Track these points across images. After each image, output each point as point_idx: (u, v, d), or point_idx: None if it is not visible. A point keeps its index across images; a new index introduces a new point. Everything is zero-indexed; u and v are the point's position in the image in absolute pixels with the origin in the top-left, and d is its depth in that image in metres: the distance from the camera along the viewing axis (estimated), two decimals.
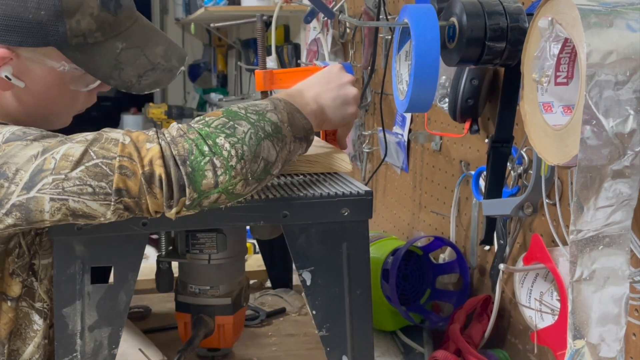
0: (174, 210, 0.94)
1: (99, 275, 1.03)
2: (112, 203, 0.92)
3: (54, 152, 0.92)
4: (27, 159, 0.92)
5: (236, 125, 0.96)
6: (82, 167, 0.92)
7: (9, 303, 1.08)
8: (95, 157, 0.92)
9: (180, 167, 0.92)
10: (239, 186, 0.95)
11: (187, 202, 0.93)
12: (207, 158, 0.92)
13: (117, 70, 1.05)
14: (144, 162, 0.92)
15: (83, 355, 1.02)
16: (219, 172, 0.93)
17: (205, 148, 0.93)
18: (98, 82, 1.10)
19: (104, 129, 0.97)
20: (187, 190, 0.92)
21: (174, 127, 0.97)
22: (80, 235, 1.00)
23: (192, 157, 0.92)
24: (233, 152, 0.94)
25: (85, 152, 0.92)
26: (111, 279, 1.04)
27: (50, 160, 0.92)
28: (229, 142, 0.94)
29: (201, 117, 0.99)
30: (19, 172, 0.91)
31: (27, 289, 1.10)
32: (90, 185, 0.91)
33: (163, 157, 0.92)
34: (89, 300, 1.02)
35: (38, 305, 1.10)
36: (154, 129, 0.97)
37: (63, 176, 0.91)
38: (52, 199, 0.92)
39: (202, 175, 0.92)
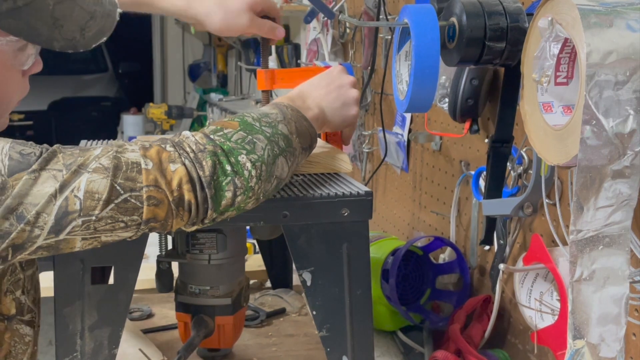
0: (194, 228, 0.95)
1: (99, 275, 1.03)
2: (141, 230, 0.92)
3: (74, 189, 0.88)
4: (46, 200, 0.87)
5: (255, 140, 0.96)
6: (112, 205, 0.89)
7: (6, 322, 1.06)
8: (122, 192, 0.89)
9: (206, 189, 0.92)
10: (250, 205, 0.96)
11: (207, 222, 0.95)
12: (229, 178, 0.92)
13: (56, 28, 0.97)
14: (172, 187, 0.90)
15: (83, 355, 1.02)
16: (238, 192, 0.93)
17: (228, 167, 0.93)
18: (33, 58, 1.02)
19: (113, 145, 0.93)
20: (209, 212, 0.93)
21: (191, 140, 0.94)
22: None
23: (215, 177, 0.92)
24: (254, 173, 0.94)
25: (112, 188, 0.88)
26: (111, 279, 1.04)
27: (73, 200, 0.87)
28: (250, 161, 0.94)
29: (216, 126, 0.97)
30: (41, 216, 0.87)
31: (17, 304, 1.08)
32: (123, 221, 0.90)
33: (191, 180, 0.91)
34: (89, 300, 1.02)
35: (27, 317, 1.09)
36: (170, 141, 0.94)
37: (94, 217, 0.88)
38: (84, 239, 0.90)
39: (223, 196, 0.93)
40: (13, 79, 1.02)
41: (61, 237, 0.88)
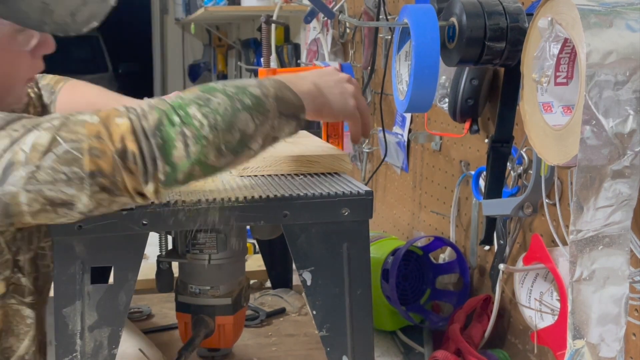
0: (151, 187, 0.91)
1: (99, 275, 1.03)
2: (87, 186, 0.89)
3: (22, 143, 0.89)
4: None
5: (211, 97, 0.93)
6: (52, 156, 0.88)
7: None
8: (63, 142, 0.89)
9: (151, 139, 0.89)
10: (211, 156, 0.92)
11: (162, 178, 0.90)
12: (178, 128, 0.90)
13: (46, 13, 0.99)
14: (114, 138, 0.89)
15: (83, 355, 1.02)
16: (189, 142, 0.90)
17: (176, 118, 0.90)
18: (36, 38, 1.05)
19: (71, 113, 0.94)
20: (159, 163, 0.89)
21: (146, 100, 0.94)
22: (80, 235, 1.00)
23: (162, 128, 0.90)
24: (205, 122, 0.91)
25: (53, 139, 0.89)
26: (111, 279, 1.04)
27: (19, 153, 0.89)
28: (201, 112, 0.91)
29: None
30: None
31: (14, 285, 1.09)
32: (64, 173, 0.89)
33: (134, 131, 0.89)
34: (89, 300, 1.02)
35: (28, 299, 1.10)
36: (126, 105, 0.94)
37: (34, 167, 0.88)
38: (26, 191, 0.89)
39: (172, 146, 0.90)
40: (19, 60, 1.05)
41: (5, 188, 0.88)
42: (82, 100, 1.41)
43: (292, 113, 1.01)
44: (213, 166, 0.93)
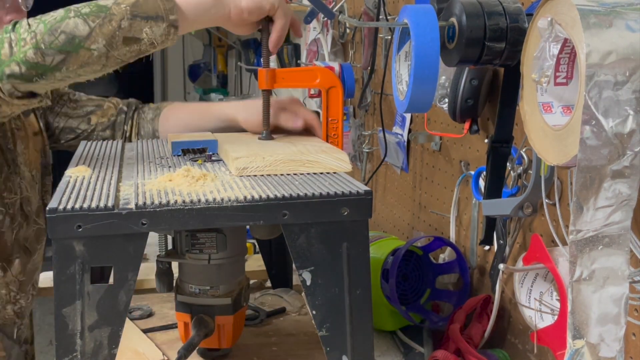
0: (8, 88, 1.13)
1: (99, 275, 1.03)
2: None
3: None
4: None
5: (51, 13, 1.13)
6: None
7: None
8: None
9: None
10: (31, 54, 1.11)
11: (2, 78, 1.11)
12: (7, 35, 1.13)
13: None
14: None
15: (83, 355, 1.02)
16: (13, 44, 1.12)
17: (9, 27, 1.13)
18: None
19: None
20: None
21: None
22: (80, 235, 1.00)
23: (0, 36, 1.13)
24: (28, 27, 1.12)
25: None
26: (111, 279, 1.04)
27: None
28: (29, 23, 1.12)
29: None
30: None
31: None
32: None
33: None
34: (89, 300, 1.02)
35: None
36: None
37: None
38: None
39: (1, 47, 1.12)
40: None
41: None
42: (178, 122, 1.57)
43: (154, 15, 1.13)
44: (36, 63, 1.12)
